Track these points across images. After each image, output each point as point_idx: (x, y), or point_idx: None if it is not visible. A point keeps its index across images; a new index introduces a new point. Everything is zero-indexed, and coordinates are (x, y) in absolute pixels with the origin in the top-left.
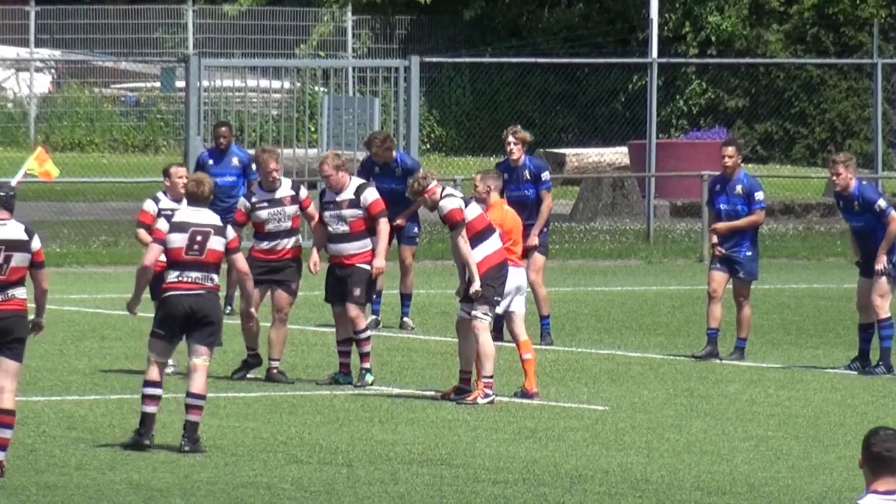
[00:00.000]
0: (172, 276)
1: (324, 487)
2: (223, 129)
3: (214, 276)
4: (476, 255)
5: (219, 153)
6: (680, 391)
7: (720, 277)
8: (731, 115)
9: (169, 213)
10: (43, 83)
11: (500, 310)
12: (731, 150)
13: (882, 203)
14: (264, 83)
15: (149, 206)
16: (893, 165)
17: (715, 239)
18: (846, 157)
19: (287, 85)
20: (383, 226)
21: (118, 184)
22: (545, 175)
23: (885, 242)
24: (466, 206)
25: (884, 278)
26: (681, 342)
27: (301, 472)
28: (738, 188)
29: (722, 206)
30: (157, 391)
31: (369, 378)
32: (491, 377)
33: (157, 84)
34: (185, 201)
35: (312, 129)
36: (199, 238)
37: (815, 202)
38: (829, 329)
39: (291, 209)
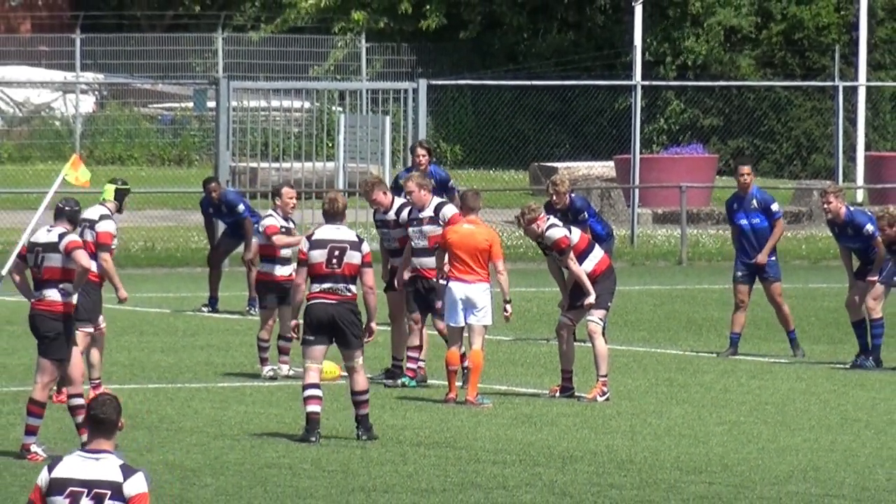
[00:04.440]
0: (315, 288)
1: (340, 467)
2: (213, 184)
3: (352, 287)
4: (586, 267)
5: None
6: (661, 381)
7: (746, 289)
8: (706, 132)
9: (283, 230)
10: (87, 103)
11: (461, 322)
12: (747, 168)
13: (870, 228)
14: (286, 103)
15: (271, 220)
16: (852, 177)
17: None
18: (836, 189)
19: (307, 105)
20: None
21: (155, 194)
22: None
23: (877, 262)
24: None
25: (879, 285)
26: (661, 336)
27: (319, 454)
28: (754, 203)
29: (742, 223)
30: (316, 392)
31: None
32: (606, 376)
33: (191, 104)
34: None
35: (330, 144)
36: (336, 253)
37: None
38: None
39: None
